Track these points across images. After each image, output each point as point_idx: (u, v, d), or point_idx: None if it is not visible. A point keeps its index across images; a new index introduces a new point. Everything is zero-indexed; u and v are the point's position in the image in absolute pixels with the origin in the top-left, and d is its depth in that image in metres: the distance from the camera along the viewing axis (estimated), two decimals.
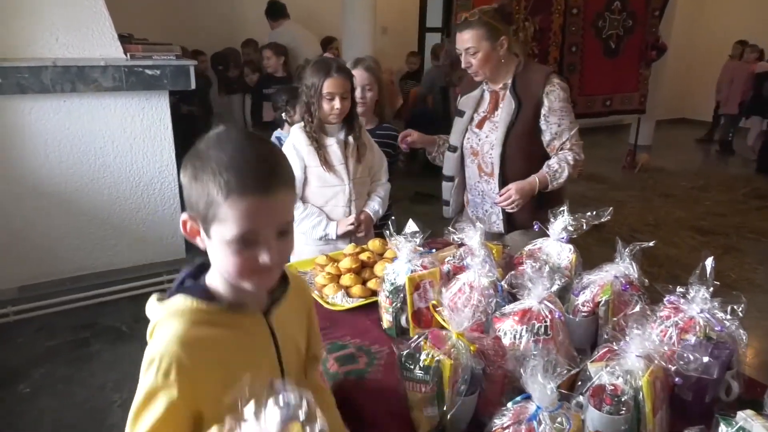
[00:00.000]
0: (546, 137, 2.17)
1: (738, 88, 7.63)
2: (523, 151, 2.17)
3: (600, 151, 8.03)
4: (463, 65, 2.18)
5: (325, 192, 2.17)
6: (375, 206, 2.26)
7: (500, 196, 2.11)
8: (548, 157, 2.18)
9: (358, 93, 2.32)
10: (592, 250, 4.03)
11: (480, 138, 2.25)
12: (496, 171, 2.19)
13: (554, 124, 2.15)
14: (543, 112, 2.14)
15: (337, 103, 2.06)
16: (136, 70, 3.03)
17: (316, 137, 2.11)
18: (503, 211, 2.21)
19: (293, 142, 2.13)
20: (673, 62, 7.86)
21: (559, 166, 2.13)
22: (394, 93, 5.66)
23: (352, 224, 2.16)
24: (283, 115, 2.94)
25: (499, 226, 2.29)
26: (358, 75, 2.36)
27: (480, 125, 2.26)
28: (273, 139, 2.68)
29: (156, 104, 3.23)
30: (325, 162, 2.12)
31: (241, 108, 5.08)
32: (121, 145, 3.21)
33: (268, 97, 4.65)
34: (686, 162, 8.03)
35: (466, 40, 2.10)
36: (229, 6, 6.23)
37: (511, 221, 2.25)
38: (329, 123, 2.13)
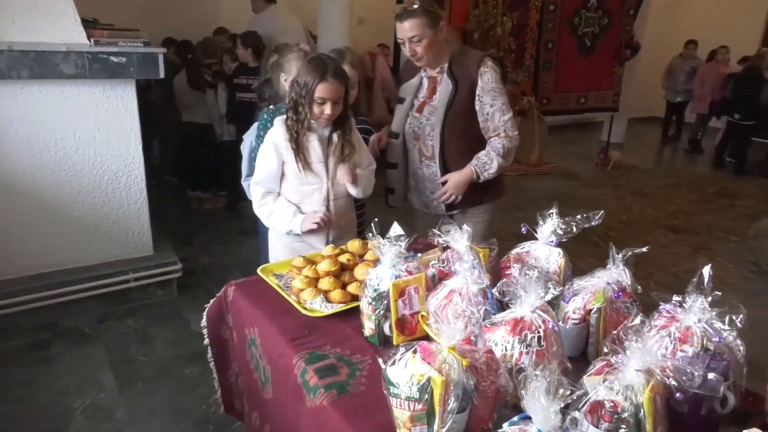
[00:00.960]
0: (480, 118, 2.30)
1: (709, 88, 7.75)
2: (461, 131, 2.31)
3: (573, 148, 8.09)
4: (407, 54, 2.28)
5: (302, 189, 2.07)
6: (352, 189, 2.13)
7: (440, 193, 2.32)
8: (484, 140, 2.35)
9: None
10: (566, 246, 4.04)
11: (421, 122, 2.37)
12: (437, 152, 2.33)
13: (487, 104, 2.28)
14: (477, 92, 2.27)
15: (327, 109, 1.95)
16: (101, 57, 2.86)
17: (297, 135, 1.99)
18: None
19: (273, 136, 2.03)
20: (646, 61, 7.94)
21: (488, 158, 2.29)
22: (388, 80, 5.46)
23: (318, 222, 2.01)
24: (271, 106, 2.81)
25: (443, 208, 2.43)
26: (346, 71, 2.23)
27: (420, 109, 2.38)
28: (251, 138, 2.47)
29: (122, 93, 3.06)
30: (303, 160, 2.01)
31: (214, 101, 4.89)
32: (84, 136, 3.04)
33: (241, 87, 4.53)
34: (657, 160, 8.15)
35: (409, 29, 2.19)
36: None
37: (450, 203, 2.39)
38: (315, 124, 2.04)
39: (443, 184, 2.33)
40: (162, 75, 3.03)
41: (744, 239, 4.65)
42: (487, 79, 2.25)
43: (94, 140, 3.08)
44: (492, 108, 2.27)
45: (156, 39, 4.86)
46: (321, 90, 1.92)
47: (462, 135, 2.31)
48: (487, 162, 2.29)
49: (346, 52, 2.41)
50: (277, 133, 2.03)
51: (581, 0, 6.14)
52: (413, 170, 2.47)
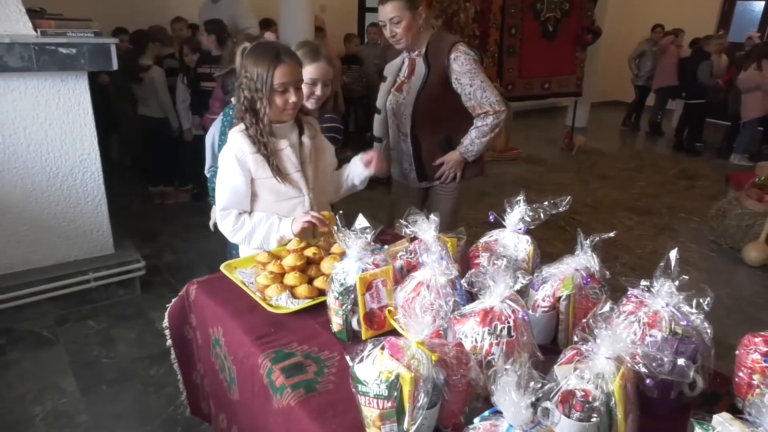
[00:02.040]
0: (464, 99, 2.42)
1: (666, 66, 7.90)
2: (431, 112, 2.45)
3: (538, 133, 8.17)
4: (388, 35, 2.38)
5: (280, 207, 1.85)
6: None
7: (441, 172, 2.52)
8: (459, 123, 2.48)
9: (317, 89, 2.17)
10: (533, 231, 4.07)
11: (398, 100, 2.50)
12: (408, 127, 2.48)
13: (467, 85, 2.38)
14: (454, 77, 2.38)
15: (291, 96, 1.74)
16: (48, 49, 2.71)
17: (264, 142, 1.75)
18: (417, 166, 2.56)
19: (234, 151, 1.76)
20: (607, 46, 8.04)
21: (470, 142, 2.46)
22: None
23: (310, 221, 1.79)
24: (232, 99, 2.71)
25: (417, 182, 2.62)
26: (319, 69, 2.14)
27: (399, 88, 2.51)
28: (215, 130, 2.36)
29: (73, 86, 2.92)
30: (278, 171, 1.79)
31: (167, 93, 4.73)
32: (35, 132, 2.89)
33: (205, 76, 4.39)
34: (620, 143, 8.29)
35: (389, 11, 2.31)
36: None
37: (422, 173, 2.59)
38: (281, 122, 1.82)
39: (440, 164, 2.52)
40: (115, 66, 2.90)
41: (704, 219, 4.76)
42: (461, 62, 2.35)
43: (46, 136, 2.94)
44: (472, 87, 2.38)
45: (109, 29, 4.69)
46: (280, 75, 1.70)
47: (432, 115, 2.46)
48: (470, 146, 2.47)
49: (320, 47, 2.22)
50: (239, 147, 1.76)
51: None
52: (393, 144, 2.63)
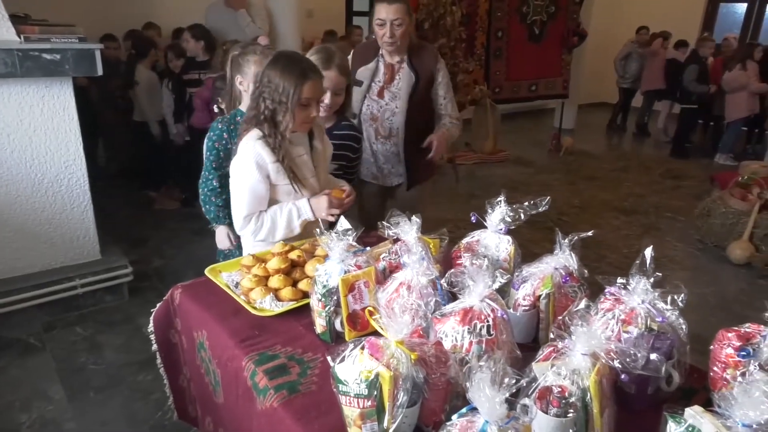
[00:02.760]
0: (438, 105, 2.60)
1: (654, 69, 7.97)
2: (420, 117, 2.57)
3: (526, 135, 8.22)
4: (387, 35, 2.39)
5: None
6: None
7: (432, 155, 2.51)
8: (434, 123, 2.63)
9: (327, 98, 2.11)
10: (521, 232, 4.10)
11: (380, 105, 2.55)
12: (401, 134, 2.55)
13: (441, 96, 2.59)
14: (436, 83, 2.56)
15: (313, 111, 1.81)
16: (32, 55, 2.71)
17: (284, 153, 1.80)
18: (407, 169, 2.64)
19: (255, 159, 1.78)
20: (593, 48, 8.11)
21: (452, 126, 2.62)
22: None
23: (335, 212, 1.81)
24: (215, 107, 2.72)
25: (391, 180, 2.68)
26: (329, 78, 2.06)
27: (380, 94, 2.54)
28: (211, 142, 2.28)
29: (58, 92, 2.91)
30: (296, 179, 1.85)
31: (149, 101, 4.73)
32: (19, 138, 2.88)
33: (191, 83, 4.39)
34: (607, 145, 8.36)
35: (394, 11, 2.35)
36: None
37: (413, 177, 2.67)
38: (300, 132, 1.89)
39: (428, 147, 2.51)
40: (100, 72, 2.89)
41: (690, 218, 4.82)
42: (443, 73, 2.56)
43: (30, 142, 2.93)
44: (445, 100, 2.60)
45: (95, 34, 4.68)
46: (305, 91, 1.75)
47: (420, 119, 2.57)
48: (452, 129, 2.63)
49: (334, 56, 2.12)
50: (260, 155, 1.78)
51: None
52: (367, 146, 2.63)
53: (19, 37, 2.74)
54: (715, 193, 4.77)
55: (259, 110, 1.78)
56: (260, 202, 1.85)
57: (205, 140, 2.29)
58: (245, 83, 2.23)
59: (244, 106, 2.27)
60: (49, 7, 4.21)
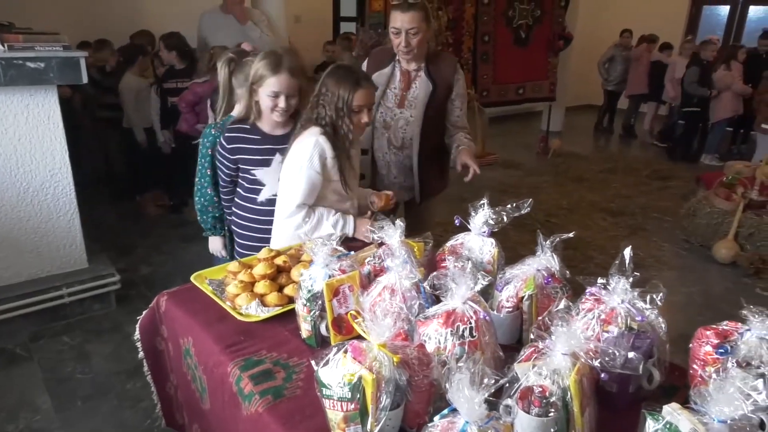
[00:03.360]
0: (453, 117, 2.55)
1: (642, 72, 8.04)
2: (435, 128, 2.52)
3: (514, 138, 8.26)
4: (402, 44, 2.34)
5: (339, 207, 2.06)
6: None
7: (471, 176, 2.44)
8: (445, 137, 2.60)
9: (280, 101, 2.01)
10: (509, 235, 4.11)
11: (395, 113, 2.48)
12: (416, 144, 2.48)
13: (458, 108, 2.54)
14: (453, 95, 2.50)
15: (364, 117, 1.96)
16: (16, 63, 2.69)
17: (346, 152, 1.97)
18: (420, 182, 2.57)
19: (319, 152, 1.90)
20: (578, 51, 8.18)
21: (468, 140, 2.57)
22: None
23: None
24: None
25: (402, 195, 2.59)
26: (280, 81, 1.99)
27: (401, 104, 2.48)
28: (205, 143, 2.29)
29: (43, 101, 2.90)
30: (344, 180, 2.00)
31: (135, 108, 4.72)
32: (4, 147, 2.86)
33: (171, 91, 4.39)
34: (594, 146, 8.43)
35: (409, 20, 2.29)
36: None
37: (425, 190, 2.61)
38: (353, 137, 1.99)
39: (463, 166, 2.45)
40: (85, 80, 2.88)
41: (676, 219, 4.86)
42: (461, 84, 2.51)
43: (15, 151, 2.91)
44: (461, 111, 2.56)
45: (78, 40, 4.66)
46: (359, 98, 1.91)
47: (435, 130, 2.54)
48: (471, 144, 2.57)
49: (282, 59, 2.03)
50: (323, 149, 1.91)
51: None
52: (379, 156, 2.59)
53: (3, 46, 2.72)
54: (700, 194, 4.82)
55: (320, 116, 1.94)
56: (313, 194, 1.97)
57: (199, 147, 2.30)
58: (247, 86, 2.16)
59: (236, 112, 2.30)
60: (35, 16, 4.21)
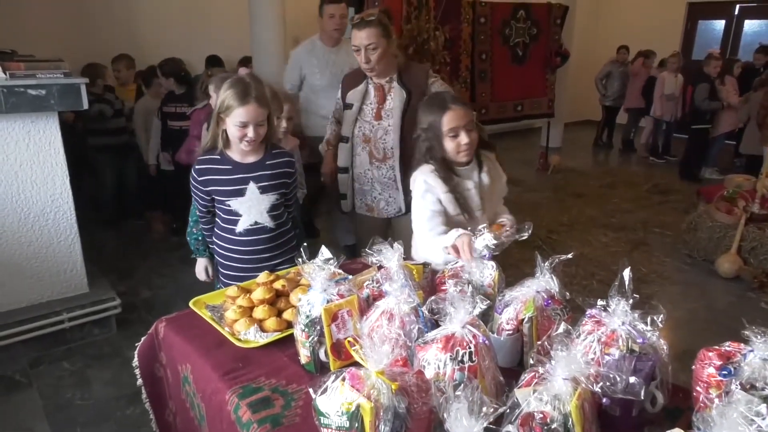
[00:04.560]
0: None
1: (639, 86, 8.07)
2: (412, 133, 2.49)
3: (514, 154, 8.28)
4: (362, 60, 2.42)
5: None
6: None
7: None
8: None
9: (249, 131, 1.91)
10: (511, 252, 4.10)
11: (373, 126, 2.53)
12: (396, 152, 2.51)
13: None
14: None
15: (463, 138, 1.89)
16: (17, 91, 2.72)
17: (453, 184, 1.92)
18: (405, 191, 2.51)
19: (426, 188, 1.91)
20: (576, 68, 8.24)
21: None
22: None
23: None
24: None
25: (388, 211, 2.62)
26: (248, 111, 1.89)
27: (377, 116, 2.53)
28: None
29: (44, 127, 2.92)
30: (466, 210, 1.94)
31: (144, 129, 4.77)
32: (5, 173, 2.88)
33: (170, 115, 4.42)
34: (593, 162, 8.44)
35: (365, 37, 2.37)
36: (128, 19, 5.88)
37: (408, 201, 2.46)
38: (460, 163, 1.96)
39: None
40: (85, 106, 2.91)
41: (678, 233, 4.85)
42: (438, 84, 2.56)
43: (16, 177, 2.92)
44: None
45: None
46: (448, 121, 1.87)
47: (409, 137, 2.48)
48: None
49: (249, 88, 1.91)
50: (431, 185, 1.91)
51: (510, 12, 6.32)
52: (360, 173, 2.60)
53: (5, 74, 2.75)
54: (701, 208, 4.81)
55: (421, 151, 1.97)
56: (441, 216, 1.93)
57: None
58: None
59: (203, 141, 2.22)
60: (38, 42, 4.26)
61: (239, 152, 2.02)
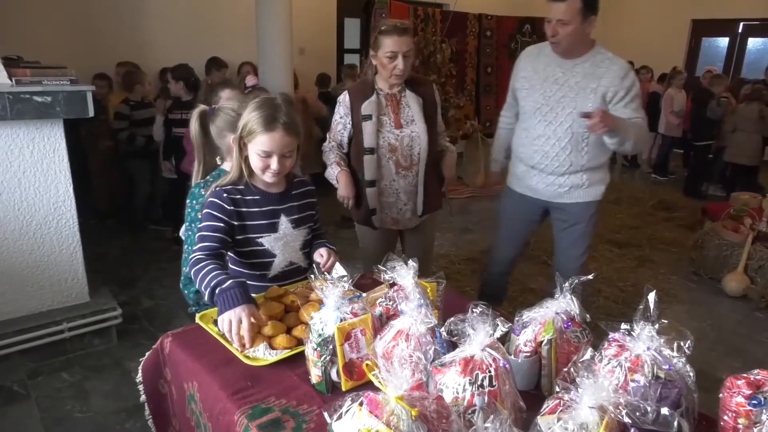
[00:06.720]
0: (438, 128, 2.68)
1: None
2: (436, 138, 2.62)
3: None
4: (398, 67, 2.40)
5: None
6: None
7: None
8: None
9: (273, 162, 1.68)
10: (518, 267, 4.06)
11: (396, 135, 2.51)
12: (423, 156, 2.52)
13: (439, 114, 2.72)
14: (438, 107, 2.68)
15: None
16: (23, 97, 2.69)
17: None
18: (425, 192, 2.57)
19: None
20: None
21: (448, 142, 2.74)
22: (319, 106, 5.43)
23: None
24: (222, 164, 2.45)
25: (412, 221, 2.63)
26: (277, 139, 1.66)
27: (398, 125, 2.51)
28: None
29: (49, 134, 2.89)
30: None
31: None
32: (8, 180, 2.85)
33: (176, 122, 4.41)
34: None
35: (406, 43, 2.39)
36: (133, 27, 5.89)
37: (428, 204, 2.61)
38: None
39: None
40: (91, 113, 2.88)
41: (683, 250, 4.81)
42: (438, 98, 2.68)
43: (19, 184, 2.89)
44: (440, 117, 2.73)
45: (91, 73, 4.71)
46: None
47: (434, 139, 2.59)
48: (453, 149, 2.73)
49: (280, 110, 1.68)
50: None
51: (516, 26, 6.35)
52: (386, 185, 2.56)
53: (11, 80, 2.73)
54: (707, 225, 4.78)
55: None
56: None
57: (186, 210, 2.01)
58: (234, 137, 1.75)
59: (227, 166, 1.95)
60: (44, 48, 4.25)
61: (263, 182, 1.77)
